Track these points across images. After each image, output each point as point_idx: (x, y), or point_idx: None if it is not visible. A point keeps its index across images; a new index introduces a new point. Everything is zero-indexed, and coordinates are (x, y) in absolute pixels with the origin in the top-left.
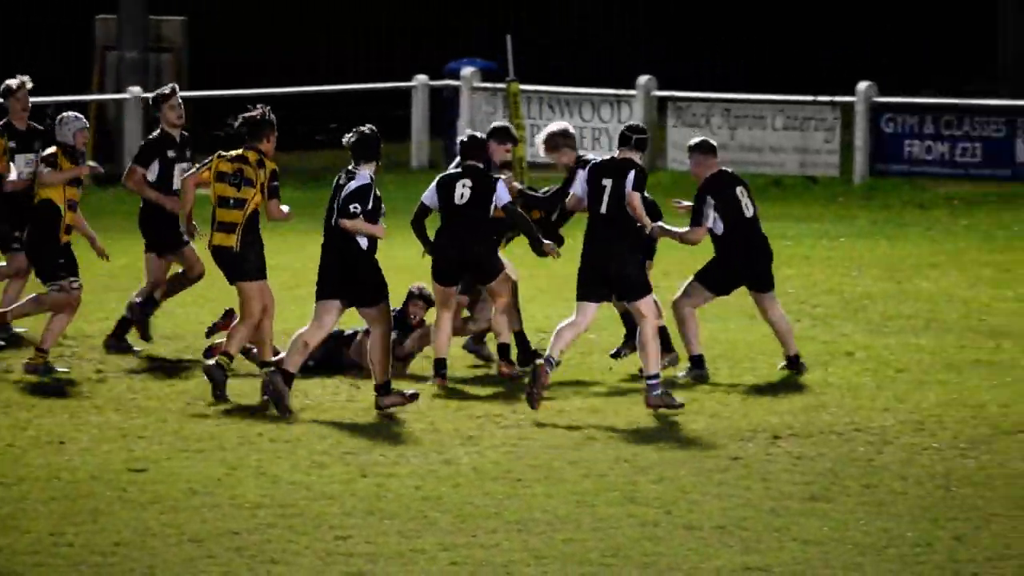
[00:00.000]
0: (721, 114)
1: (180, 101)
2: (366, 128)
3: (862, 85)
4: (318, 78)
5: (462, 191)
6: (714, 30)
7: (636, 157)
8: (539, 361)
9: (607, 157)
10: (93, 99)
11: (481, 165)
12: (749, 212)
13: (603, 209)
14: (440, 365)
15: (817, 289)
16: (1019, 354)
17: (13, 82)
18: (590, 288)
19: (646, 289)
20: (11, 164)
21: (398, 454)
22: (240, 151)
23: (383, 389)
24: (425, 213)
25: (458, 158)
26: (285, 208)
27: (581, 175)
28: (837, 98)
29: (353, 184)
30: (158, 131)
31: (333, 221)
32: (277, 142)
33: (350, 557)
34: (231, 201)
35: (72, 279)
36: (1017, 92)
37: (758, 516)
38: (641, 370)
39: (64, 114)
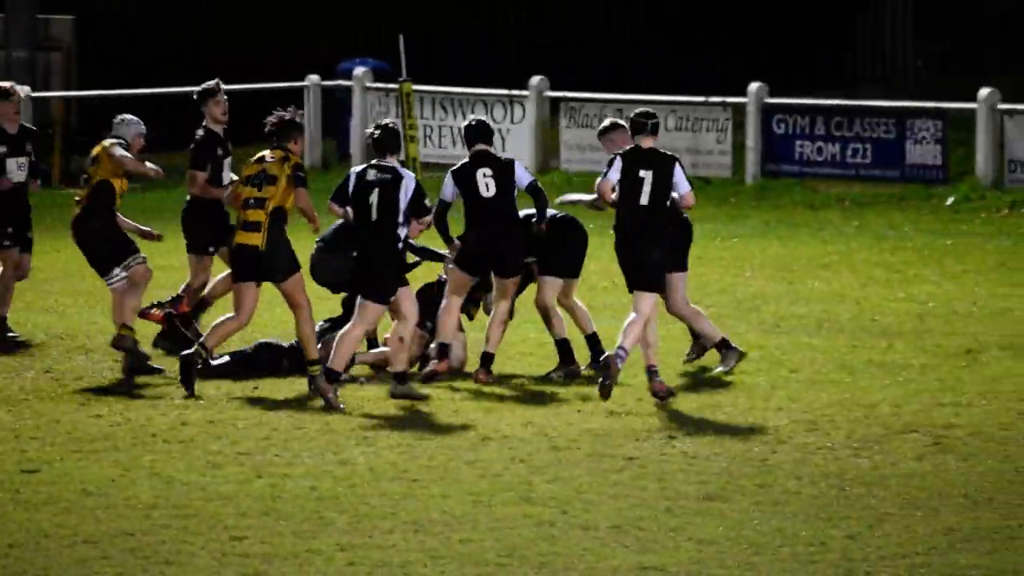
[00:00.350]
0: (613, 114)
1: (225, 96)
2: (388, 122)
3: (753, 86)
4: (210, 77)
5: (486, 181)
6: (607, 30)
7: (653, 142)
8: (610, 353)
9: (632, 147)
10: None
11: (491, 148)
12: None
13: (644, 200)
14: (443, 350)
15: (710, 289)
16: (911, 354)
17: (4, 85)
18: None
19: (658, 287)
20: (4, 167)
21: (293, 454)
22: (266, 152)
23: (331, 375)
24: (447, 208)
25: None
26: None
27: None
28: (728, 99)
29: (411, 185)
30: (203, 130)
31: (374, 218)
32: (167, 142)
33: (246, 558)
34: (251, 201)
35: (139, 253)
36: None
37: (653, 516)
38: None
39: (125, 115)
